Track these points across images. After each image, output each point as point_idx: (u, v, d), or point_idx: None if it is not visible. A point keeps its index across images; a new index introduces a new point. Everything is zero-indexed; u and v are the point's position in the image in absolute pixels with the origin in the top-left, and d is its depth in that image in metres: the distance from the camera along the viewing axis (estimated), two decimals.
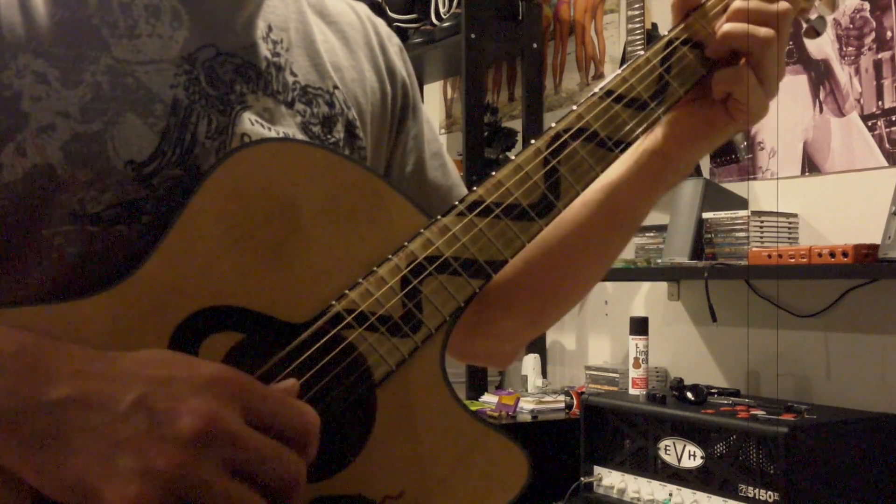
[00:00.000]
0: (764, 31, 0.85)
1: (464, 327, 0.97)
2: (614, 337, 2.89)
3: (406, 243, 0.79)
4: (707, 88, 0.89)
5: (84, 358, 0.66)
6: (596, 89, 0.87)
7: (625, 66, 0.88)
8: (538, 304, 1.00)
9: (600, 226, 0.94)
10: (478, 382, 2.91)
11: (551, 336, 3.11)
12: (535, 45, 3.16)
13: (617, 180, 0.92)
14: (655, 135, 0.91)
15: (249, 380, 0.67)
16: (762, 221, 2.28)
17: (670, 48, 0.88)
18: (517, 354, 1.07)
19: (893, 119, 2.20)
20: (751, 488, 1.90)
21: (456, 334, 0.97)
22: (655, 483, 2.12)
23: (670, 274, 2.51)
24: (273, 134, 0.83)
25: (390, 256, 0.78)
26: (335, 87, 0.91)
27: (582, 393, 2.53)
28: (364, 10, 1.01)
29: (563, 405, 2.68)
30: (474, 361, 1.11)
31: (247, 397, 0.65)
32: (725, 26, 0.87)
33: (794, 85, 2.37)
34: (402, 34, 3.17)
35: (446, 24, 3.07)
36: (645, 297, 2.80)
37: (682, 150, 0.90)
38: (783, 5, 0.85)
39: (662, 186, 0.93)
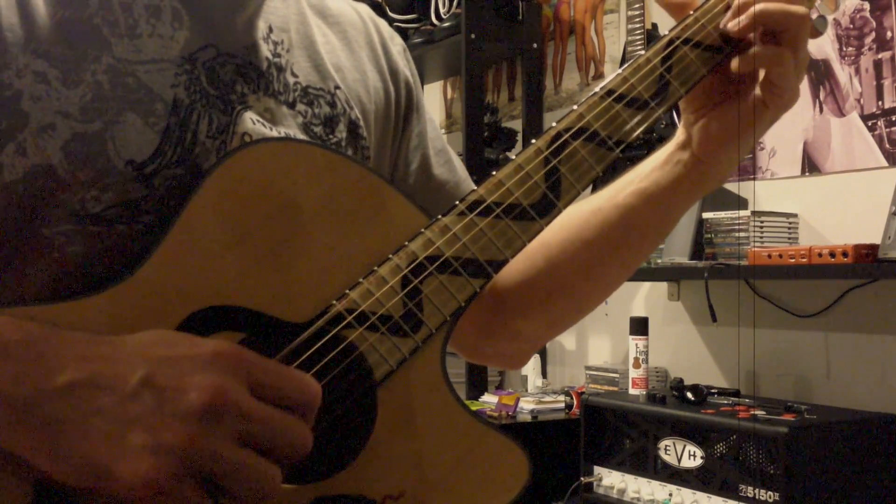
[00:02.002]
0: (799, 9, 0.84)
1: (479, 327, 0.97)
2: (614, 337, 2.89)
3: (407, 243, 0.79)
4: (734, 86, 0.87)
5: (88, 343, 0.66)
6: (597, 89, 0.87)
7: (626, 65, 0.88)
8: (558, 306, 0.99)
9: (631, 231, 0.93)
10: (478, 382, 2.91)
11: None
12: (535, 45, 3.16)
13: (653, 188, 0.90)
14: (690, 143, 0.89)
15: (251, 353, 0.68)
16: (762, 221, 2.28)
17: (671, 48, 0.88)
18: (531, 355, 1.07)
19: (893, 119, 2.20)
20: (751, 488, 1.90)
21: (470, 334, 0.97)
22: (655, 483, 2.13)
23: (670, 274, 2.52)
24: (274, 133, 0.83)
25: (391, 256, 0.78)
26: (336, 87, 0.91)
27: (582, 393, 2.53)
28: (366, 10, 1.01)
29: (563, 405, 2.68)
30: (487, 362, 1.10)
31: (250, 370, 0.67)
32: (760, 5, 0.84)
33: None
34: (402, 34, 3.17)
35: (446, 24, 3.07)
36: (645, 297, 2.80)
37: (721, 153, 0.89)
38: None
39: (700, 193, 0.92)
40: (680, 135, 0.91)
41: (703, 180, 0.91)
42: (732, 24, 0.86)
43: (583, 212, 0.93)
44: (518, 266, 0.86)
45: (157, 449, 0.62)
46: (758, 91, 0.87)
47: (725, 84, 0.89)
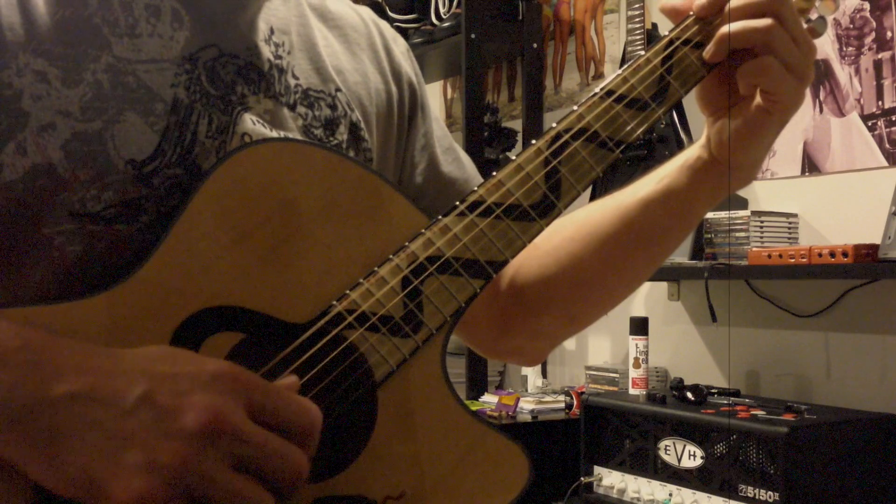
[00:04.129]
0: (761, 22, 0.83)
1: (499, 324, 0.97)
2: (614, 337, 2.89)
3: (407, 243, 0.79)
4: (741, 91, 0.87)
5: (88, 354, 0.66)
6: (597, 89, 0.87)
7: (625, 66, 0.88)
8: (580, 302, 0.99)
9: (654, 229, 0.93)
10: (478, 382, 2.91)
11: None
12: (535, 45, 3.15)
13: (675, 186, 0.91)
14: (710, 145, 0.90)
15: (253, 376, 0.67)
16: (762, 221, 2.28)
17: (671, 48, 0.88)
18: (549, 352, 1.07)
19: (893, 119, 2.20)
20: (751, 488, 1.90)
21: (489, 331, 0.97)
22: (655, 483, 2.12)
23: (670, 274, 2.51)
24: (274, 134, 0.83)
25: (391, 257, 0.78)
26: (337, 89, 0.91)
27: (582, 393, 2.53)
28: (368, 13, 1.01)
29: (563, 405, 2.68)
30: (504, 358, 1.10)
31: (250, 393, 0.66)
32: (723, 29, 0.85)
33: None
34: (402, 34, 3.16)
35: (446, 24, 3.07)
36: (645, 297, 2.80)
37: (738, 154, 0.88)
38: None
39: (721, 193, 0.92)
40: (703, 136, 0.92)
41: (722, 181, 0.91)
42: (706, 53, 0.87)
43: (606, 208, 0.94)
44: (540, 262, 0.86)
45: (151, 468, 0.62)
46: (759, 98, 0.87)
47: (738, 87, 0.88)
